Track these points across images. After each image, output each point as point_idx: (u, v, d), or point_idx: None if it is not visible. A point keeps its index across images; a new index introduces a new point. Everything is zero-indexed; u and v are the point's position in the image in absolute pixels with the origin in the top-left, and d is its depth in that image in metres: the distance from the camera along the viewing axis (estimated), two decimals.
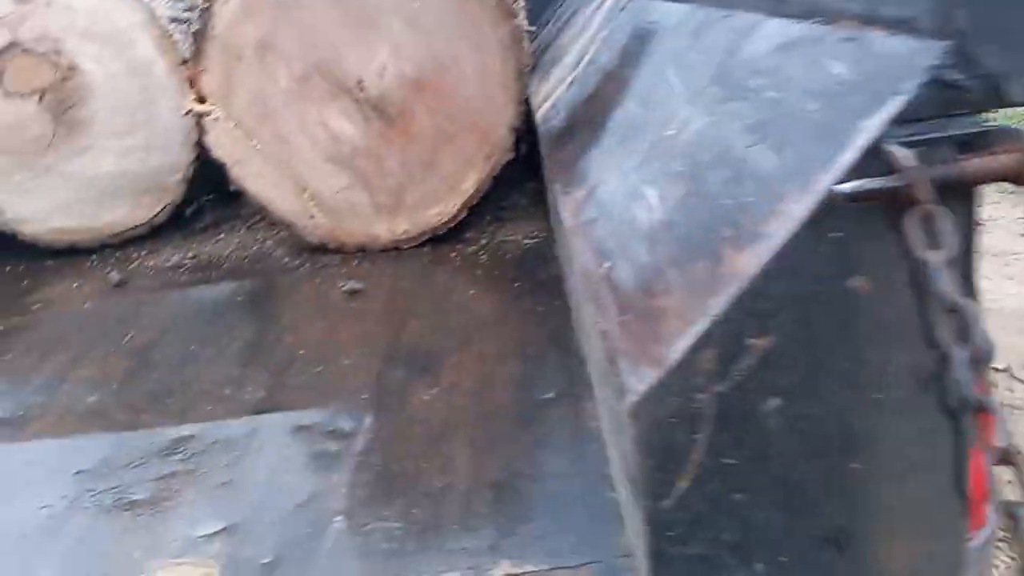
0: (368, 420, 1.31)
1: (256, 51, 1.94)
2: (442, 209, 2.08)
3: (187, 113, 2.01)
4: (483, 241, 2.12)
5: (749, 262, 0.68)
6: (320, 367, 1.52)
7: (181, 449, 1.29)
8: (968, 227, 0.68)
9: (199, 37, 1.94)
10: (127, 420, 1.40)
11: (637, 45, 1.61)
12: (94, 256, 2.37)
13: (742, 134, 0.85)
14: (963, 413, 0.63)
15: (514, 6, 1.91)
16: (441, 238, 2.13)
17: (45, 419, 1.43)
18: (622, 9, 1.94)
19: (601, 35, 2.02)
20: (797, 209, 0.66)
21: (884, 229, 0.67)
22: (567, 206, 1.30)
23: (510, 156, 2.03)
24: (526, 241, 2.09)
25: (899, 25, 0.69)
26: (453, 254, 2.06)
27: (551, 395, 1.31)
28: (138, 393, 1.49)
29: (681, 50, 1.25)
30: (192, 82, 1.97)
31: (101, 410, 1.45)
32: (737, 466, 0.74)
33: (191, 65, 1.96)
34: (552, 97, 2.06)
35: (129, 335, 1.74)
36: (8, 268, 2.35)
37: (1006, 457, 0.61)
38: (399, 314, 1.72)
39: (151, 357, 1.63)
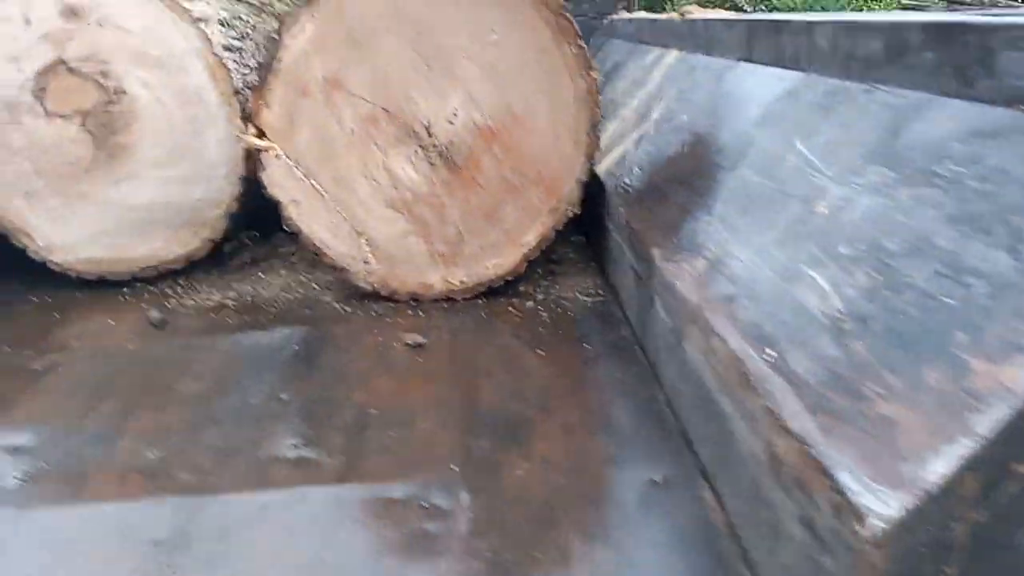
0: (464, 496, 1.23)
1: (323, 88, 1.88)
2: (501, 261, 2.02)
3: (246, 147, 1.93)
4: (539, 296, 2.06)
5: (1017, 377, 0.62)
6: (396, 431, 1.43)
7: (264, 520, 1.20)
8: None
9: (264, 69, 1.87)
10: (197, 482, 1.31)
11: (731, 108, 1.57)
12: (125, 290, 2.27)
13: (942, 224, 0.80)
14: None
15: (592, 60, 1.87)
16: (495, 291, 2.07)
17: (105, 476, 1.33)
18: (696, 67, 1.90)
19: (669, 92, 1.99)
20: None
21: None
22: (681, 276, 1.24)
23: (575, 211, 1.97)
24: (584, 298, 2.03)
25: None
26: (510, 309, 2.00)
27: (658, 478, 1.24)
28: (203, 451, 1.40)
29: (810, 122, 1.20)
30: (253, 115, 1.90)
31: (165, 469, 1.35)
32: None
33: (253, 98, 1.90)
34: (616, 152, 2.02)
35: (183, 383, 1.64)
36: (34, 299, 2.24)
37: None
38: (468, 373, 1.65)
39: (211, 410, 1.53)
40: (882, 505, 0.65)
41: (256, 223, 2.46)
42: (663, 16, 2.57)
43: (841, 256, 0.92)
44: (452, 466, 1.31)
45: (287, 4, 3.10)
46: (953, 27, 0.93)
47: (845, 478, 0.70)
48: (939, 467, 0.63)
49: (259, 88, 1.88)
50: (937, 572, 0.65)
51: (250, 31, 2.47)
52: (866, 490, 0.67)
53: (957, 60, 0.91)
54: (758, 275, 1.05)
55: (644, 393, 1.52)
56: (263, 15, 2.74)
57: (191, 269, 2.32)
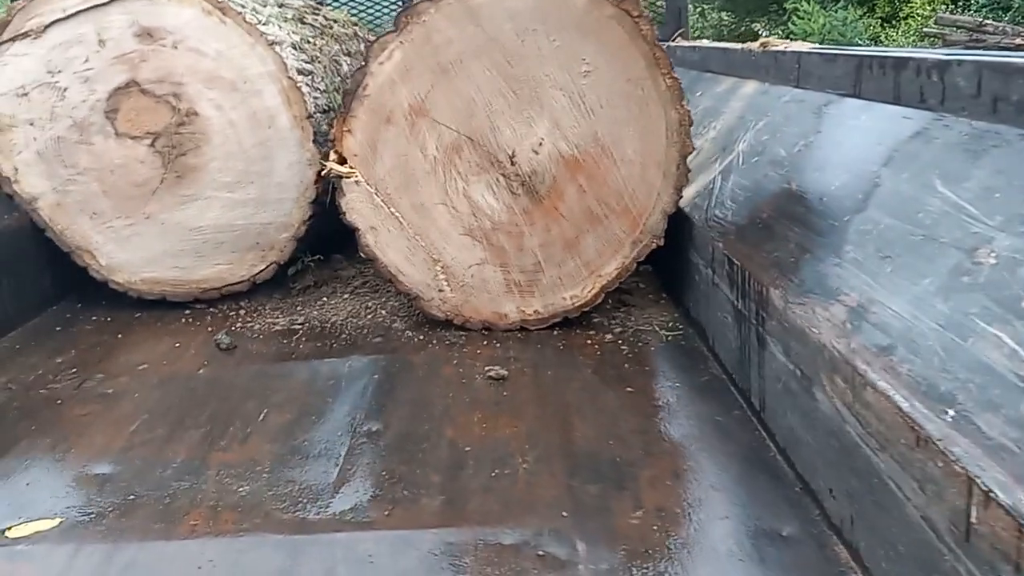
0: (580, 546, 1.17)
1: (408, 116, 1.85)
2: (578, 292, 1.98)
3: (326, 173, 1.90)
4: (616, 329, 2.01)
5: None
6: (495, 471, 1.38)
7: (371, 564, 1.14)
8: None
9: (349, 96, 1.84)
10: (294, 520, 1.25)
11: (842, 146, 1.52)
12: (187, 311, 2.23)
13: None
14: None
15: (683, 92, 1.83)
16: (569, 322, 2.02)
17: (199, 511, 1.28)
18: (787, 100, 1.86)
19: (755, 123, 1.94)
20: None
21: None
22: (814, 321, 1.19)
23: (659, 243, 1.93)
24: (664, 333, 1.97)
25: None
26: (588, 341, 1.94)
27: (786, 532, 1.18)
28: (294, 486, 1.35)
29: (953, 165, 1.15)
30: (336, 142, 1.87)
31: (258, 503, 1.30)
32: None
33: (337, 124, 1.87)
34: (698, 183, 1.98)
35: (264, 412, 1.60)
36: (94, 318, 2.21)
37: None
38: (557, 410, 1.59)
39: (297, 443, 1.49)
40: None
41: (316, 246, 2.43)
42: (738, 46, 2.53)
43: (1021, 312, 0.86)
44: (562, 512, 1.25)
45: (344, 27, 3.10)
46: None
47: None
48: None
49: (343, 115, 1.85)
50: None
51: (318, 54, 2.45)
52: None
53: None
54: (918, 327, 1.00)
55: (748, 438, 1.46)
56: (325, 38, 2.73)
57: (254, 291, 2.28)
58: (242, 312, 2.21)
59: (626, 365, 1.81)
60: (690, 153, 1.86)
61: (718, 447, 1.44)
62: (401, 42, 1.81)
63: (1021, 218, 0.98)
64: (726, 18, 19.32)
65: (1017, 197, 1.01)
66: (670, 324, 2.02)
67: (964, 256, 1.02)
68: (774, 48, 2.11)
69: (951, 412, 0.87)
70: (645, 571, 1.11)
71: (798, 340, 1.24)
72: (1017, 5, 12.98)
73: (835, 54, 1.71)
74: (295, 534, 1.22)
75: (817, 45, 2.06)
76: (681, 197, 1.90)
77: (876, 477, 1.00)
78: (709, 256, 1.75)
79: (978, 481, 0.77)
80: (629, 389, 1.70)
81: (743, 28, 18.58)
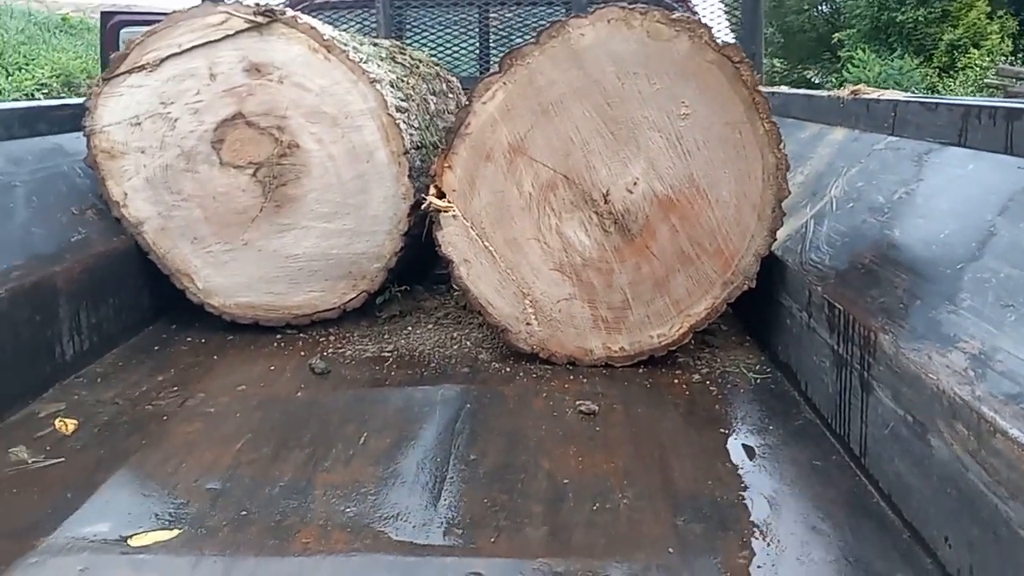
0: None
1: (507, 154, 1.91)
2: (666, 331, 1.99)
3: (426, 207, 1.96)
4: (703, 370, 2.02)
5: None
6: (596, 504, 1.39)
7: None
8: None
9: (452, 133, 1.91)
10: (403, 542, 1.28)
11: (951, 194, 1.52)
12: (278, 335, 2.30)
13: None
14: None
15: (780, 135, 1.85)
16: (654, 361, 2.03)
17: (309, 530, 1.32)
18: (882, 147, 1.87)
19: (847, 170, 1.96)
20: None
21: None
22: (930, 368, 1.19)
23: (751, 284, 1.94)
24: (752, 375, 1.97)
25: None
26: (676, 381, 1.95)
27: None
28: (399, 509, 1.38)
29: None
30: (436, 177, 1.93)
31: (365, 524, 1.34)
32: None
33: (439, 160, 1.93)
34: (788, 226, 1.99)
35: (364, 436, 1.64)
36: (189, 339, 2.29)
37: None
38: (652, 448, 1.60)
39: (398, 467, 1.52)
40: None
41: (401, 277, 2.49)
42: (823, 93, 2.55)
43: None
44: (668, 549, 1.26)
45: (428, 67, 3.20)
46: None
47: None
48: None
49: (445, 151, 1.91)
50: None
51: (412, 92, 2.54)
52: None
53: None
54: None
55: (849, 484, 1.45)
56: (414, 77, 2.82)
57: (342, 319, 2.35)
58: (332, 338, 2.27)
59: (716, 406, 1.81)
60: (786, 197, 1.88)
61: (819, 491, 1.43)
62: (505, 83, 1.87)
63: None
64: (778, 65, 19.36)
65: None
66: (757, 367, 2.02)
67: None
68: (866, 96, 2.12)
69: None
70: None
71: (911, 386, 1.24)
72: None
73: (936, 102, 1.72)
74: (406, 555, 1.25)
75: (900, 94, 2.06)
76: (775, 240, 1.91)
77: (1004, 526, 0.99)
78: (805, 299, 1.75)
79: None
80: (722, 430, 1.70)
81: (795, 75, 18.61)
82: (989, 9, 15.11)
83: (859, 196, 1.84)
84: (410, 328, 2.33)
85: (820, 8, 19.34)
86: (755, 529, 1.31)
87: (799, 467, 1.52)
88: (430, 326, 2.34)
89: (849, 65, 15.33)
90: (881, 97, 2.07)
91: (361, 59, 2.28)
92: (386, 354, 2.13)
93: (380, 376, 1.98)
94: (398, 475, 1.49)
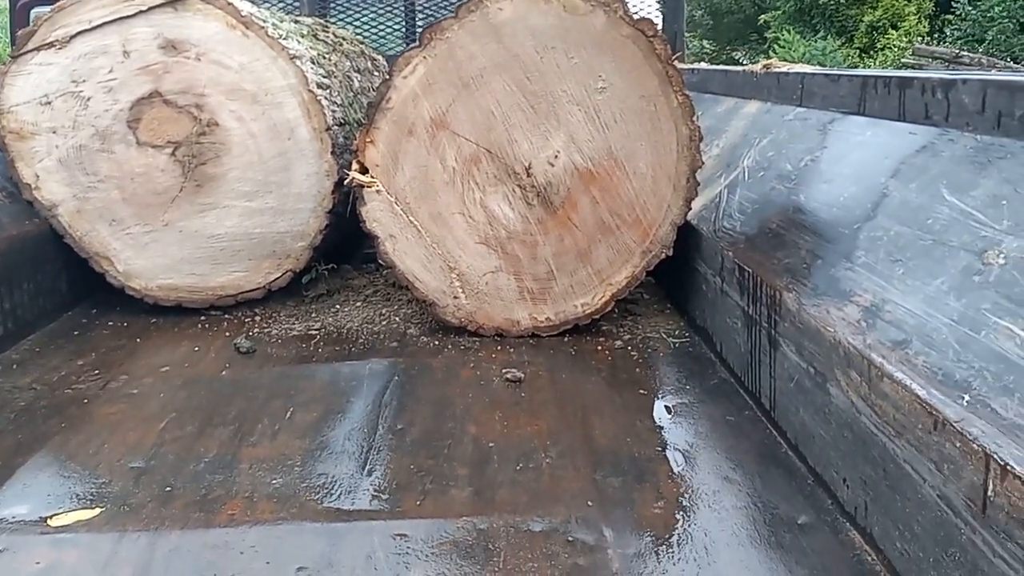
0: (607, 533, 1.22)
1: (429, 128, 1.92)
2: (589, 300, 2.05)
3: (349, 182, 1.96)
4: (625, 336, 2.08)
5: None
6: (520, 465, 1.43)
7: (407, 549, 1.19)
8: None
9: (373, 108, 1.91)
10: (329, 510, 1.30)
11: (849, 160, 1.60)
12: (202, 317, 2.28)
13: None
14: None
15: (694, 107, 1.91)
16: (579, 330, 2.08)
17: (235, 502, 1.33)
18: (790, 118, 1.95)
19: (759, 141, 2.03)
20: None
21: None
22: (828, 321, 1.26)
23: (668, 253, 2.00)
24: (672, 340, 2.04)
25: None
26: (599, 348, 2.01)
27: (801, 520, 1.24)
28: (327, 479, 1.39)
29: (960, 176, 1.23)
30: (358, 153, 1.93)
31: (293, 494, 1.35)
32: None
33: (360, 136, 1.93)
34: (704, 196, 2.06)
35: (290, 411, 1.65)
36: (111, 323, 2.25)
37: None
38: (575, 410, 1.65)
39: (325, 438, 1.53)
40: None
41: (328, 256, 2.48)
42: (738, 68, 2.63)
43: None
44: (588, 502, 1.31)
45: (352, 45, 3.18)
46: None
47: None
48: None
49: (367, 126, 1.92)
50: None
51: (334, 69, 2.52)
52: None
53: None
54: (932, 323, 1.07)
55: (760, 436, 1.52)
56: (337, 54, 2.80)
57: (268, 298, 2.33)
58: (257, 318, 2.26)
59: (637, 370, 1.87)
60: (699, 167, 1.94)
61: (731, 444, 1.50)
62: (425, 57, 1.88)
63: None
64: (708, 46, 19.76)
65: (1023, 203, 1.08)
66: (676, 332, 2.09)
67: (974, 258, 1.09)
68: (776, 70, 2.20)
69: (967, 397, 0.94)
70: (671, 555, 1.17)
71: (812, 340, 1.31)
72: (991, 37, 13.37)
73: (838, 74, 1.80)
74: (332, 522, 1.27)
75: (808, 67, 2.15)
76: (690, 209, 1.98)
77: (892, 463, 1.06)
78: (718, 265, 1.82)
79: (995, 456, 0.84)
80: (642, 392, 1.76)
81: (724, 57, 19.02)
82: None
83: (769, 165, 1.91)
84: (338, 306, 2.33)
85: None
86: (670, 481, 1.37)
87: (714, 422, 1.59)
88: (358, 304, 2.35)
89: (775, 46, 15.71)
90: (790, 71, 2.16)
91: (281, 35, 2.25)
92: (313, 332, 2.13)
93: (307, 353, 1.98)
94: (325, 446, 1.51)
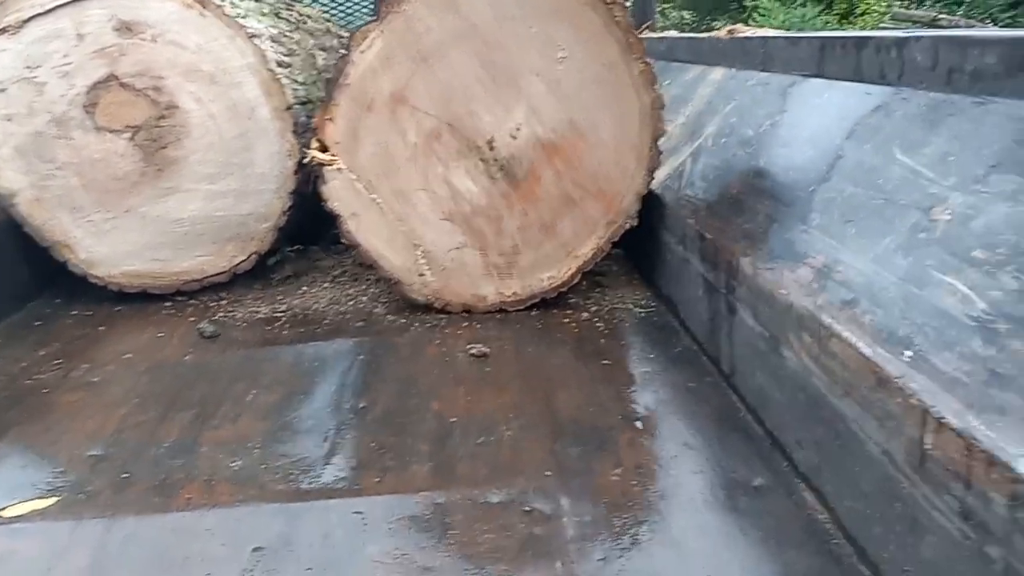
0: (564, 502, 1.22)
1: (388, 103, 1.89)
2: (556, 273, 2.04)
3: (309, 161, 1.93)
4: (592, 308, 2.07)
5: None
6: (482, 438, 1.43)
7: (364, 526, 1.19)
8: None
9: (331, 85, 1.88)
10: (289, 490, 1.29)
11: (807, 123, 1.59)
12: (168, 303, 2.25)
13: None
14: None
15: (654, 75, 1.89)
16: (547, 303, 2.07)
17: (194, 485, 1.32)
18: (753, 83, 1.93)
19: (723, 107, 2.01)
20: None
21: None
22: (782, 284, 1.26)
23: (633, 223, 1.99)
24: (638, 310, 2.04)
25: None
26: (566, 320, 2.00)
27: (757, 483, 1.25)
28: (287, 460, 1.39)
29: (911, 134, 1.23)
30: (317, 130, 1.91)
31: (252, 476, 1.34)
32: None
33: (319, 113, 1.90)
34: (668, 166, 2.05)
35: (253, 393, 1.63)
36: (75, 312, 2.22)
37: None
38: (539, 383, 1.65)
39: (287, 419, 1.52)
40: None
41: (295, 238, 2.46)
42: (704, 35, 2.61)
43: (978, 260, 0.93)
44: (546, 472, 1.31)
45: (317, 23, 3.13)
46: None
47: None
48: None
49: (325, 103, 1.89)
50: None
51: (296, 47, 2.49)
52: None
53: None
54: (879, 281, 1.06)
55: (720, 401, 1.52)
56: (300, 32, 2.76)
57: (234, 282, 2.31)
58: (223, 303, 2.24)
59: (603, 341, 1.87)
60: (662, 135, 1.93)
61: (692, 410, 1.50)
62: (382, 31, 1.86)
63: (974, 177, 1.05)
64: (687, 16, 19.67)
65: (970, 159, 1.08)
66: (643, 302, 2.08)
67: (921, 215, 1.09)
68: (740, 35, 2.18)
69: (909, 353, 0.93)
70: (626, 520, 1.17)
71: (767, 303, 1.30)
72: (971, 0, 13.34)
73: (799, 37, 1.79)
74: (290, 502, 1.26)
75: (772, 31, 2.14)
76: (653, 179, 1.96)
77: (841, 422, 1.06)
78: (681, 234, 1.81)
79: (932, 411, 0.84)
80: (606, 362, 1.75)
81: (704, 27, 18.95)
82: None
83: (732, 131, 1.90)
84: (305, 288, 2.31)
85: None
86: (629, 448, 1.37)
87: (675, 390, 1.59)
88: (326, 285, 2.33)
89: (755, 14, 15.65)
90: (753, 35, 2.14)
91: (240, 15, 2.22)
92: (278, 314, 2.11)
93: (272, 336, 1.97)
94: (287, 428, 1.50)
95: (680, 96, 2.43)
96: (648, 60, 1.88)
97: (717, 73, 2.30)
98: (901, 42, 1.34)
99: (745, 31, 2.21)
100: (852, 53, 1.52)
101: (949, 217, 1.03)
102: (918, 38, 1.30)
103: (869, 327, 1.01)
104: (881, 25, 13.39)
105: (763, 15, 15.30)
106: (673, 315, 1.92)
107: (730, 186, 1.70)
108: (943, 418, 0.82)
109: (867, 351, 0.98)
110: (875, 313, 1.03)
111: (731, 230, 1.54)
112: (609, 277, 2.28)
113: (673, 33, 3.12)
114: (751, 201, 1.56)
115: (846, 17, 15.38)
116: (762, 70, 1.99)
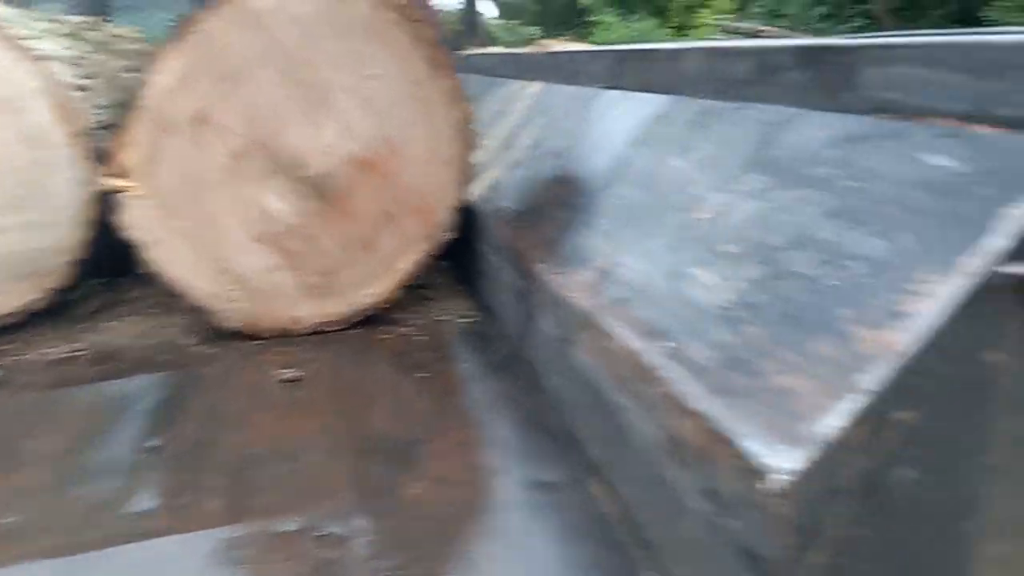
0: (360, 522, 1.19)
1: (191, 124, 1.81)
2: (376, 290, 2.01)
3: (104, 189, 1.82)
4: (418, 322, 2.06)
5: (897, 339, 0.69)
6: (282, 466, 1.37)
7: (152, 571, 1.11)
8: None
9: (125, 109, 1.78)
10: (67, 543, 1.19)
11: (602, 132, 1.65)
12: None
13: (821, 219, 0.88)
14: None
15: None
16: (368, 321, 2.04)
17: None
18: (562, 97, 1.99)
19: (537, 120, 2.06)
20: (946, 289, 0.69)
21: None
22: (569, 287, 1.28)
23: (451, 236, 1.99)
24: (460, 321, 2.04)
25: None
26: (386, 336, 1.98)
27: (547, 479, 1.26)
28: (68, 511, 1.28)
29: (684, 139, 1.29)
30: (112, 156, 1.80)
31: (29, 532, 1.22)
32: (867, 538, 0.73)
33: (114, 138, 1.79)
34: (485, 178, 2.07)
35: (37, 439, 1.50)
36: None
37: None
38: (351, 402, 1.61)
39: (73, 466, 1.41)
40: (786, 461, 0.70)
41: (101, 269, 2.31)
42: (525, 51, 2.67)
43: (727, 254, 0.98)
44: (346, 493, 1.27)
45: (131, 43, 2.98)
46: (818, 49, 1.05)
47: (750, 444, 0.74)
48: (833, 421, 0.69)
49: (119, 128, 1.78)
50: (830, 516, 0.70)
51: (98, 69, 2.34)
52: (770, 451, 0.72)
53: (823, 77, 1.02)
54: (648, 279, 1.11)
55: (527, 404, 1.54)
56: (106, 53, 2.61)
57: (30, 322, 2.13)
58: (16, 344, 2.06)
59: (424, 353, 1.85)
60: (474, 149, 1.94)
61: (504, 415, 1.51)
62: (181, 51, 1.77)
63: (730, 178, 1.11)
64: (536, 32, 20.34)
65: (729, 161, 1.14)
66: (465, 312, 2.09)
67: (686, 215, 1.14)
68: (552, 50, 2.24)
69: (671, 344, 0.97)
70: (422, 532, 1.16)
71: (559, 306, 1.33)
72: (792, 12, 14.55)
73: (599, 51, 1.85)
74: (73, 554, 1.16)
75: (584, 45, 2.22)
76: (469, 192, 1.97)
77: (618, 414, 1.09)
78: (496, 244, 1.83)
79: (680, 398, 0.87)
80: (425, 375, 1.74)
81: (569, 36, 19.59)
82: None
83: (543, 143, 1.94)
84: (113, 323, 2.16)
85: None
86: (436, 460, 1.36)
87: (493, 396, 1.59)
88: (135, 318, 2.19)
89: (595, 29, 16.37)
90: (563, 50, 2.20)
91: (31, 36, 2.07)
92: (78, 352, 1.96)
93: (68, 377, 1.82)
94: (70, 476, 1.38)
95: (500, 111, 2.47)
96: (456, 76, 1.89)
97: (535, 87, 2.36)
98: (678, 53, 1.41)
99: (557, 46, 2.27)
100: (642, 65, 1.59)
101: (709, 215, 1.08)
102: (692, 49, 1.37)
103: (637, 322, 1.05)
104: (710, 36, 14.31)
105: (605, 29, 16.02)
106: (493, 324, 1.94)
107: (537, 196, 1.73)
108: (689, 404, 0.85)
109: (633, 344, 1.01)
110: (645, 309, 1.07)
111: (532, 238, 1.57)
112: (434, 290, 2.28)
113: (499, 49, 3.18)
114: (551, 209, 1.60)
115: (681, 30, 16.40)
116: (570, 84, 2.05)
